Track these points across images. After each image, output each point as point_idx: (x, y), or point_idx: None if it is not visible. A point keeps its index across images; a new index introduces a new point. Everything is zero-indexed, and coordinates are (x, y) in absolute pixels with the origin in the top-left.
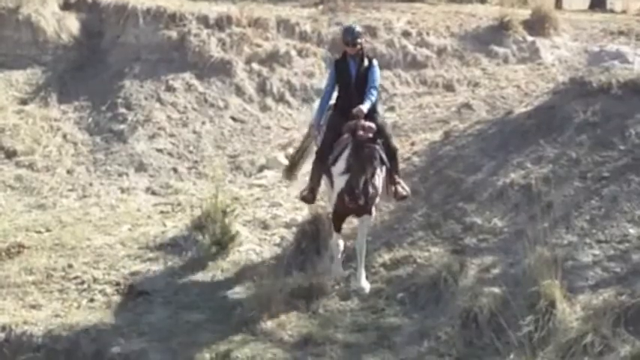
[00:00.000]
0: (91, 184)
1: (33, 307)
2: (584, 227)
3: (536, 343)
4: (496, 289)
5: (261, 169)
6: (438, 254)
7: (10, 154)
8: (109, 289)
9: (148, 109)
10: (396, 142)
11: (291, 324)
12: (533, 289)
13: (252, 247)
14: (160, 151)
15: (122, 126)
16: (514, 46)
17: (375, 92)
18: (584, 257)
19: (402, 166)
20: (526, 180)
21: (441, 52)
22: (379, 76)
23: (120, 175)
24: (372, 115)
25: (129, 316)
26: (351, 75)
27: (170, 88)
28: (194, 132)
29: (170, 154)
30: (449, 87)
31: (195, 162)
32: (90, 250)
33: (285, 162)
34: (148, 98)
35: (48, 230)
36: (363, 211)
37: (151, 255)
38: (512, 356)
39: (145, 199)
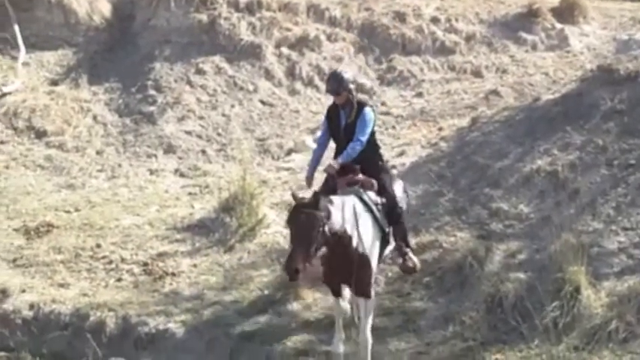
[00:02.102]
0: (120, 165)
1: (61, 285)
2: (610, 214)
3: (561, 329)
4: (521, 275)
5: (289, 152)
6: (464, 239)
7: (41, 135)
8: (136, 269)
9: (178, 92)
10: (403, 202)
11: (317, 306)
12: (558, 275)
13: (279, 229)
14: (188, 133)
15: (152, 108)
16: (542, 34)
17: (358, 145)
18: (609, 244)
19: (429, 151)
20: (552, 167)
21: (469, 38)
22: (371, 125)
23: (149, 156)
24: (373, 168)
25: (156, 296)
26: (340, 125)
27: (200, 71)
28: (223, 115)
29: (199, 137)
30: (477, 73)
31: (224, 145)
32: (118, 231)
33: (314, 146)
34: (177, 81)
35: (77, 210)
36: (358, 291)
37: (178, 236)
38: (536, 341)
39: (173, 180)
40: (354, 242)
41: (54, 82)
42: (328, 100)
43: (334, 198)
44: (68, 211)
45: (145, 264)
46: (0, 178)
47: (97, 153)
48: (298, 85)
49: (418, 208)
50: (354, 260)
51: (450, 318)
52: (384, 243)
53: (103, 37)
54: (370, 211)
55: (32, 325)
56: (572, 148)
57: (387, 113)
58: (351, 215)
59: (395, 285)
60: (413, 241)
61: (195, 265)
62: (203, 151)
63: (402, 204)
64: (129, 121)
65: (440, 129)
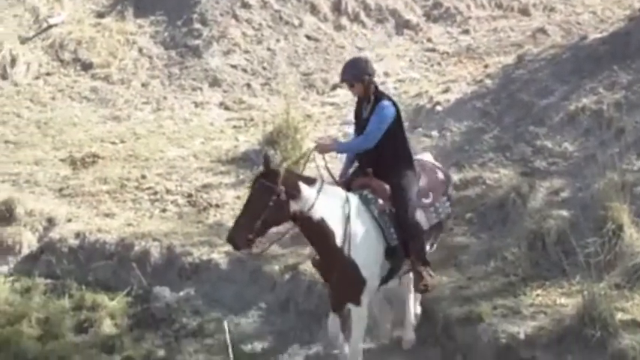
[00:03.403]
0: (165, 98)
1: (107, 215)
2: None
3: (603, 266)
4: (564, 212)
5: (334, 87)
6: (507, 176)
7: (87, 67)
8: (180, 200)
9: (224, 26)
10: (420, 216)
11: None
12: (601, 214)
13: (323, 163)
14: (234, 67)
15: (197, 41)
16: None
17: (362, 139)
18: None
19: (474, 88)
20: (598, 105)
21: None
22: (386, 121)
23: (194, 89)
24: (393, 174)
25: (200, 227)
26: (361, 119)
27: (245, 5)
28: (268, 49)
29: (244, 70)
30: (524, 11)
31: (269, 79)
32: (163, 162)
33: None
34: (223, 14)
35: (122, 141)
36: (343, 295)
37: (222, 168)
38: (578, 278)
39: (218, 113)
40: (338, 241)
41: (100, 15)
42: (374, 35)
43: (321, 183)
44: (114, 143)
45: (190, 195)
46: (46, 109)
47: (143, 85)
48: (344, 21)
49: (462, 144)
50: (337, 261)
51: (491, 253)
52: (395, 260)
53: None
54: (374, 218)
55: (78, 253)
56: (618, 87)
57: (432, 50)
58: (339, 210)
59: None
60: (456, 177)
61: (239, 197)
62: (248, 85)
63: (418, 218)
64: (174, 54)
65: (486, 66)
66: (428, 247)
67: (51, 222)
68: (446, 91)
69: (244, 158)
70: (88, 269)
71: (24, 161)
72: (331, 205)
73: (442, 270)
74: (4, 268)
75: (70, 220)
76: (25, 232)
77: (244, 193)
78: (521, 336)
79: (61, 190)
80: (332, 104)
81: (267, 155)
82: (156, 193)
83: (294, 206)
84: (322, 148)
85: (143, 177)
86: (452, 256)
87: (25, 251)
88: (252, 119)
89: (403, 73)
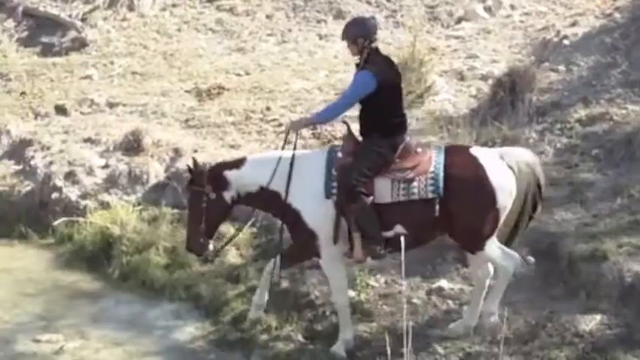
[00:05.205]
0: (289, 30)
1: (232, 146)
2: None
3: None
4: None
5: (459, 20)
6: (635, 112)
7: None
8: (305, 133)
9: None
10: (383, 186)
11: None
12: None
13: (448, 97)
14: None
15: None
16: None
17: (333, 105)
18: None
19: (602, 21)
20: None
21: None
22: (357, 90)
23: (318, 21)
24: (370, 133)
25: None
26: None
27: None
28: None
29: (368, 3)
30: None
31: (394, 11)
32: (288, 94)
33: (485, 15)
34: None
35: (247, 73)
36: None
37: None
38: None
39: (342, 46)
40: (284, 197)
41: None
42: None
43: (256, 157)
44: (239, 74)
45: (314, 128)
46: (172, 40)
47: (267, 17)
48: None
49: (589, 79)
50: (285, 216)
51: (618, 190)
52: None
53: None
54: (326, 170)
55: None
56: None
57: None
58: (284, 171)
59: (564, 156)
60: (583, 112)
61: None
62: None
63: (356, 180)
64: None
65: None
66: (401, 229)
67: (177, 152)
68: (573, 24)
69: None
70: None
71: (151, 92)
72: (270, 170)
73: (567, 206)
74: (132, 198)
75: (195, 151)
76: (152, 162)
77: None
78: None
79: (187, 120)
80: (457, 37)
81: (194, 159)
82: (281, 125)
83: (228, 196)
84: (295, 126)
85: (268, 109)
86: (577, 193)
87: (153, 181)
88: None
89: (530, 6)
